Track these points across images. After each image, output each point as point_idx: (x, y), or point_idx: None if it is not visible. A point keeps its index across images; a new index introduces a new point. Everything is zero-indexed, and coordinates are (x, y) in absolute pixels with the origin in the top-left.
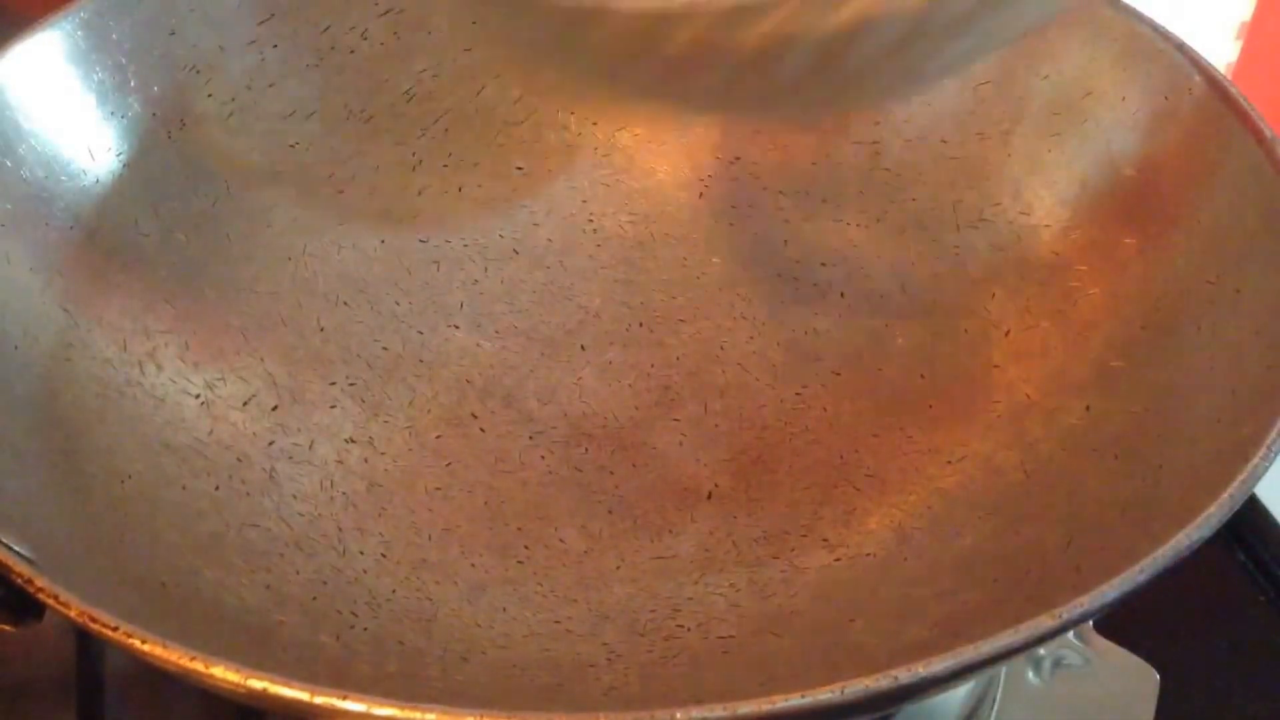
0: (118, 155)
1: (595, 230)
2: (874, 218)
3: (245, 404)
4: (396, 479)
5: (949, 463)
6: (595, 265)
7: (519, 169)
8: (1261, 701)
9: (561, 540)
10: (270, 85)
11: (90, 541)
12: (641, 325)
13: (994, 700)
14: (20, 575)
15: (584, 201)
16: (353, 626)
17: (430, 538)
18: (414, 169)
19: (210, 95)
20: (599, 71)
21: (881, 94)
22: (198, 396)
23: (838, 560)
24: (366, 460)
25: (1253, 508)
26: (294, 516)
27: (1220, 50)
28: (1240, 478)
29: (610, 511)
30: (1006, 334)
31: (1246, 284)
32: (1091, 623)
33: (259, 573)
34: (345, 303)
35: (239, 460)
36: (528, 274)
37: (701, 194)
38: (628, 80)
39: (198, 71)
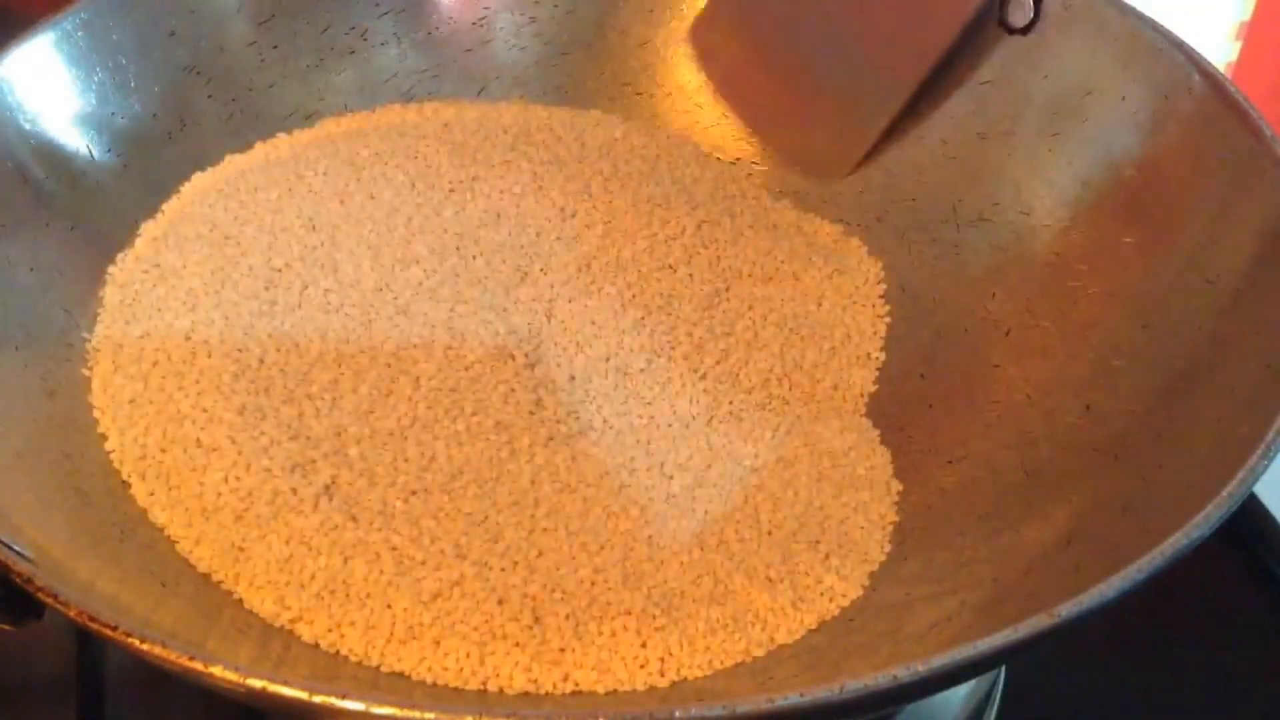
0: (118, 155)
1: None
2: (874, 218)
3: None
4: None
5: (949, 463)
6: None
7: None
8: (1261, 701)
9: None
10: (270, 85)
11: (90, 541)
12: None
13: (994, 700)
14: (20, 575)
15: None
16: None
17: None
18: None
19: (210, 95)
20: None
21: None
22: None
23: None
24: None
25: (1253, 508)
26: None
27: (1220, 50)
28: (1239, 477)
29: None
30: (1006, 334)
31: (1246, 283)
32: None
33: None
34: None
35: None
36: None
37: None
38: None
39: (198, 72)
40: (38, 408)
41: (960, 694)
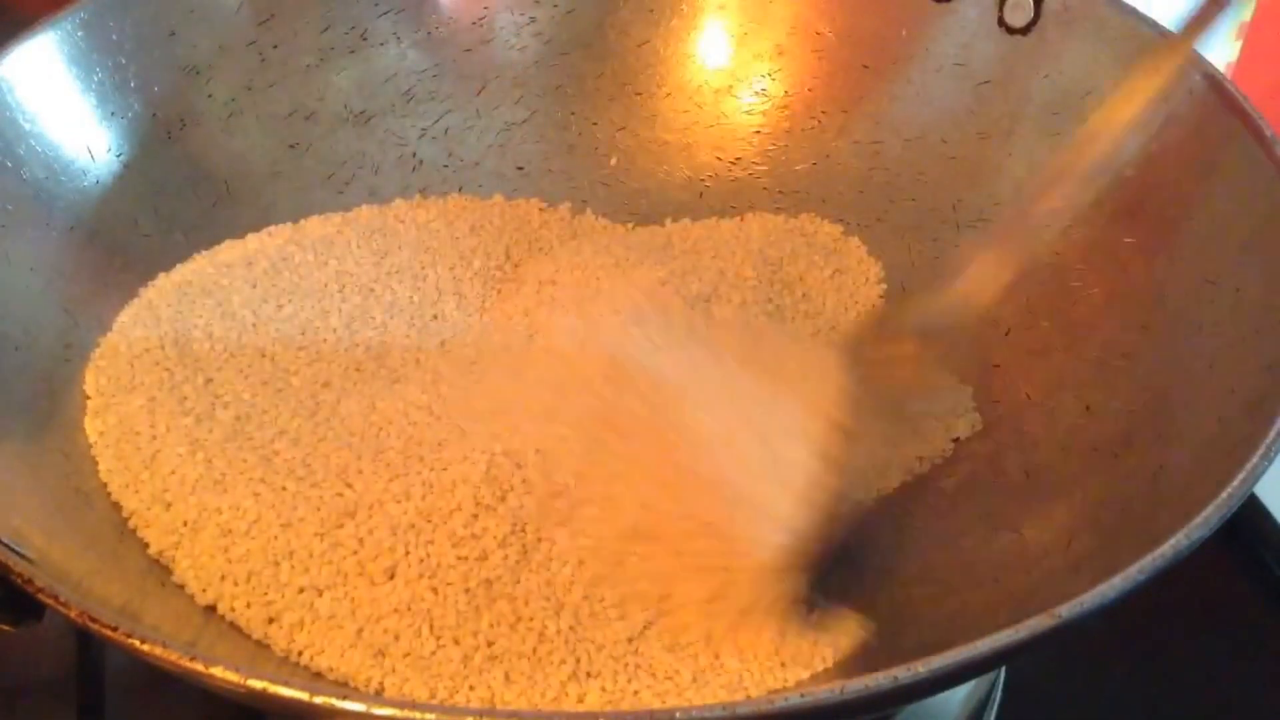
0: (118, 155)
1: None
2: (874, 218)
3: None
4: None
5: (949, 463)
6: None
7: (519, 169)
8: (1261, 701)
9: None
10: (270, 85)
11: (90, 542)
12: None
13: (994, 700)
14: (20, 575)
15: (584, 202)
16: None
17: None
18: (414, 169)
19: (210, 95)
20: None
21: None
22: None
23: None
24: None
25: (1252, 508)
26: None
27: (1220, 50)
28: (1240, 478)
29: None
30: (1006, 334)
31: (1246, 283)
32: None
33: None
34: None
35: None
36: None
37: (701, 194)
38: None
39: (198, 71)
40: (38, 408)
41: (960, 694)
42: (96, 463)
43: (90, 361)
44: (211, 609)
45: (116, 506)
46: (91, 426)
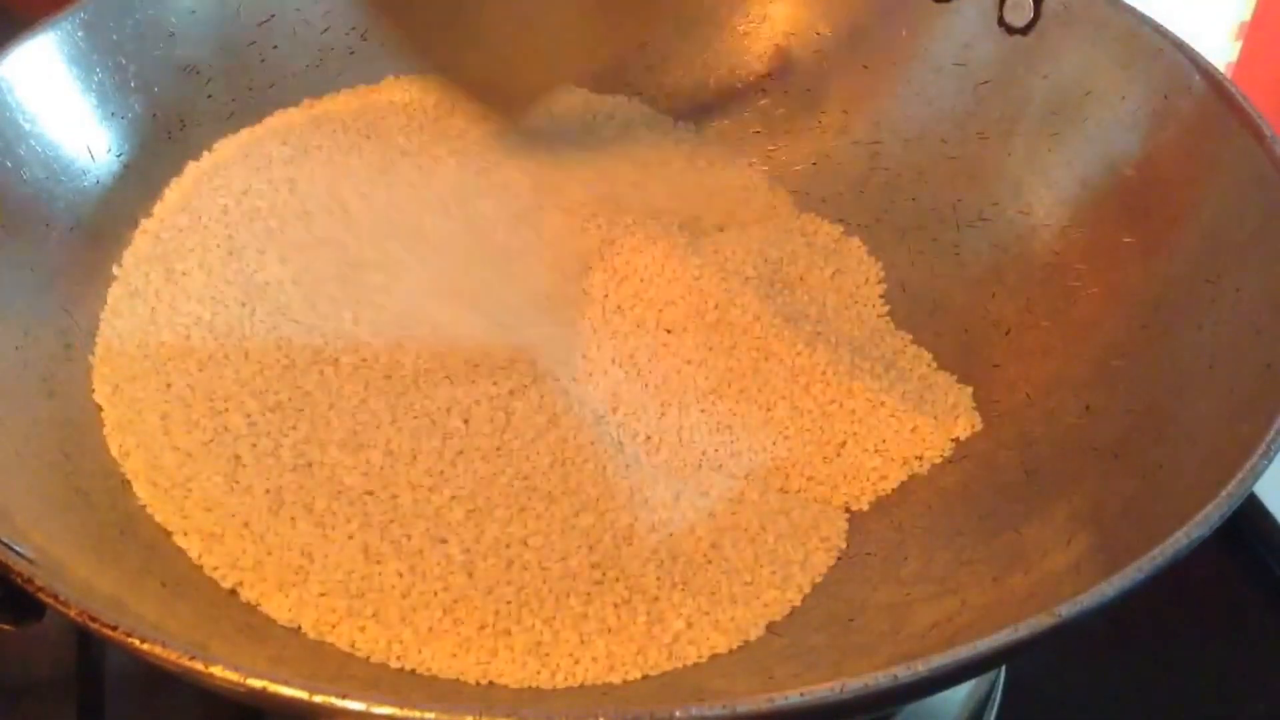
0: (118, 155)
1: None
2: (874, 218)
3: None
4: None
5: (949, 463)
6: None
7: None
8: (1261, 701)
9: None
10: (270, 85)
11: (90, 541)
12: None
13: (994, 700)
14: (20, 575)
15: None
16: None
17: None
18: None
19: (210, 95)
20: None
21: None
22: None
23: (838, 560)
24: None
25: (1252, 508)
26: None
27: (1220, 50)
28: (1239, 477)
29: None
30: (1006, 334)
31: (1246, 283)
32: None
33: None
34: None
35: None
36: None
37: None
38: None
39: (198, 72)
40: (38, 408)
41: (960, 694)
42: (129, 484)
43: (93, 367)
44: (214, 610)
45: (119, 501)
46: (114, 443)
